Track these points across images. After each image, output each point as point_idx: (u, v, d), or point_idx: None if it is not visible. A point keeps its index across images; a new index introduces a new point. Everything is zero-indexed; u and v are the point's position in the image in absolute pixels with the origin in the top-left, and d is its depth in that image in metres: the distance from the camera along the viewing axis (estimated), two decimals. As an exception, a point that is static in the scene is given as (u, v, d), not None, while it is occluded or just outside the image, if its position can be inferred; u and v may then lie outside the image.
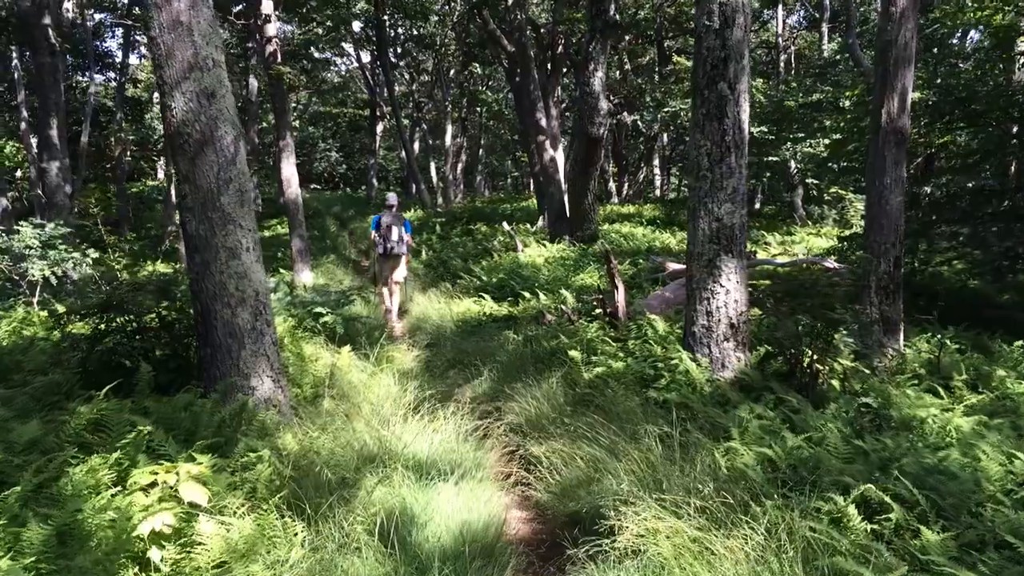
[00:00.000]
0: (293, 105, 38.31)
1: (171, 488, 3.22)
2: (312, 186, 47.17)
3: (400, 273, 12.09)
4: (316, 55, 38.82)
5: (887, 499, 3.64)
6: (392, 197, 12.28)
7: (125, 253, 23.53)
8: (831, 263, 11.56)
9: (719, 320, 6.17)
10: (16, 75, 20.00)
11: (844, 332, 6.35)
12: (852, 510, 3.58)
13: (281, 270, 14.66)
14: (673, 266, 12.88)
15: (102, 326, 5.17)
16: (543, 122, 17.50)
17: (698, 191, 6.24)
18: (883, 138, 7.78)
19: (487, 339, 8.79)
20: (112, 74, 27.85)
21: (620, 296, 8.79)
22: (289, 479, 3.83)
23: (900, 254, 7.90)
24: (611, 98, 18.02)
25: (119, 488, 3.24)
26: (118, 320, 5.20)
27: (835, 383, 6.21)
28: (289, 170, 13.38)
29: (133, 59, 29.09)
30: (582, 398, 6.00)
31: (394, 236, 11.86)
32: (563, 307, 9.34)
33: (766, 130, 18.63)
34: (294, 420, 4.91)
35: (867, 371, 6.57)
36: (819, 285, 6.15)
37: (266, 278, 5.05)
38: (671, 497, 3.84)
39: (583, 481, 4.43)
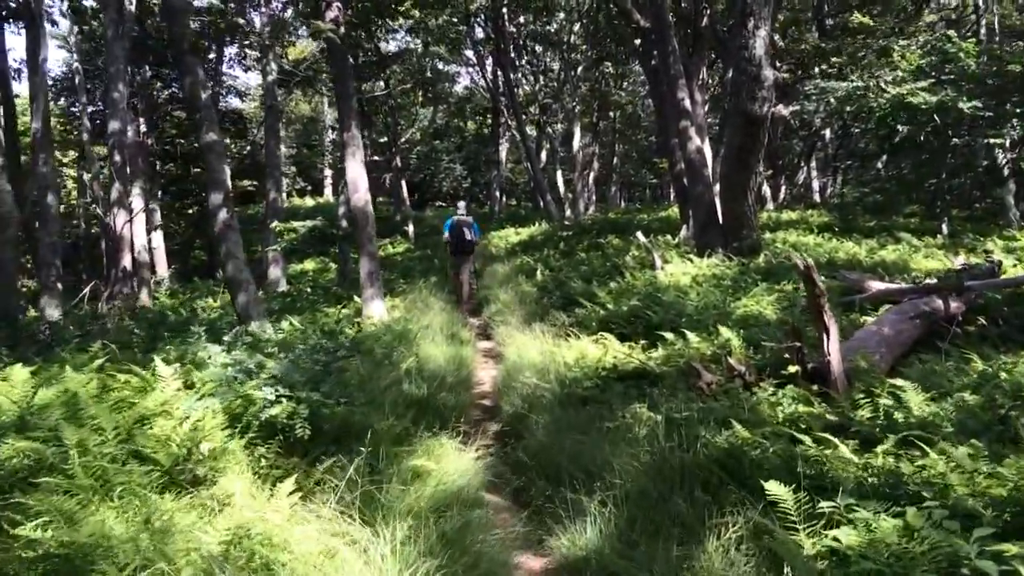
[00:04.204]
0: (412, 117, 36.00)
1: None
2: (438, 204, 44.96)
3: (468, 267, 14.03)
4: (440, 66, 36.53)
5: None
6: (462, 205, 14.65)
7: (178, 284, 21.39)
8: None
9: None
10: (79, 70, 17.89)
11: None
12: None
13: (357, 298, 11.65)
14: (876, 285, 9.01)
15: None
16: (686, 103, 13.83)
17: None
18: None
19: (605, 416, 5.27)
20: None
21: (832, 343, 5.14)
22: None
23: None
24: (778, 64, 14.29)
25: None
26: None
27: None
28: (356, 170, 10.31)
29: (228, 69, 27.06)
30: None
31: (466, 236, 13.62)
32: (728, 359, 5.73)
33: (979, 105, 14.27)
34: None
35: None
36: None
37: None
38: None
39: None
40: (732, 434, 4.20)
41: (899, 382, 4.76)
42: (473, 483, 4.38)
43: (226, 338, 5.02)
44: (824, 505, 3.02)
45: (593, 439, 4.76)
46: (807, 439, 3.92)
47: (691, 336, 7.10)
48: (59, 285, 10.66)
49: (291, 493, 3.33)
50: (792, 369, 5.26)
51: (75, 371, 4.97)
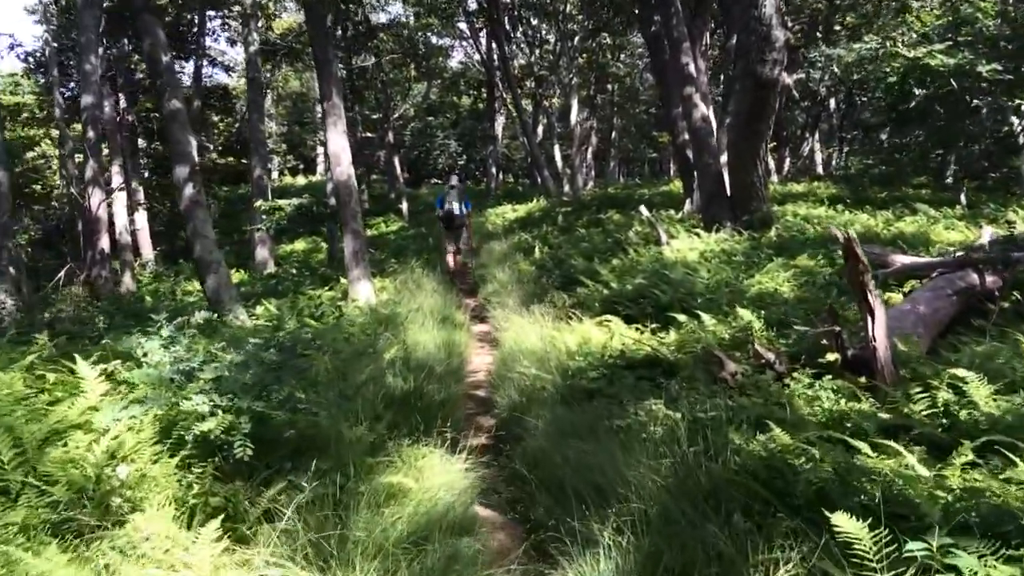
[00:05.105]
0: (405, 92, 35.07)
1: None
2: (433, 181, 44.18)
3: (462, 239, 13.66)
4: (434, 40, 35.59)
5: None
6: (454, 179, 13.87)
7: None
8: None
9: None
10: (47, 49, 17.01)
11: None
12: None
13: (344, 279, 10.92)
14: (900, 259, 8.28)
15: None
16: (691, 68, 13.04)
17: None
18: None
19: (614, 412, 4.56)
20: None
21: (879, 326, 4.43)
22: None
23: None
24: (789, 24, 13.33)
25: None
26: None
27: None
28: (338, 142, 9.57)
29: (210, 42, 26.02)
30: None
31: (456, 210, 13.06)
32: (756, 345, 5.02)
33: (999, 68, 13.49)
34: None
35: None
36: None
37: None
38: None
39: None
40: (770, 439, 3.51)
41: (960, 372, 4.05)
42: (462, 500, 3.67)
43: (165, 330, 4.21)
44: (913, 547, 2.32)
45: (602, 444, 4.05)
46: (864, 446, 3.22)
47: (706, 318, 6.39)
48: (12, 269, 9.94)
49: (222, 536, 2.62)
50: (830, 357, 4.56)
51: (1, 370, 4.27)
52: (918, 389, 4.01)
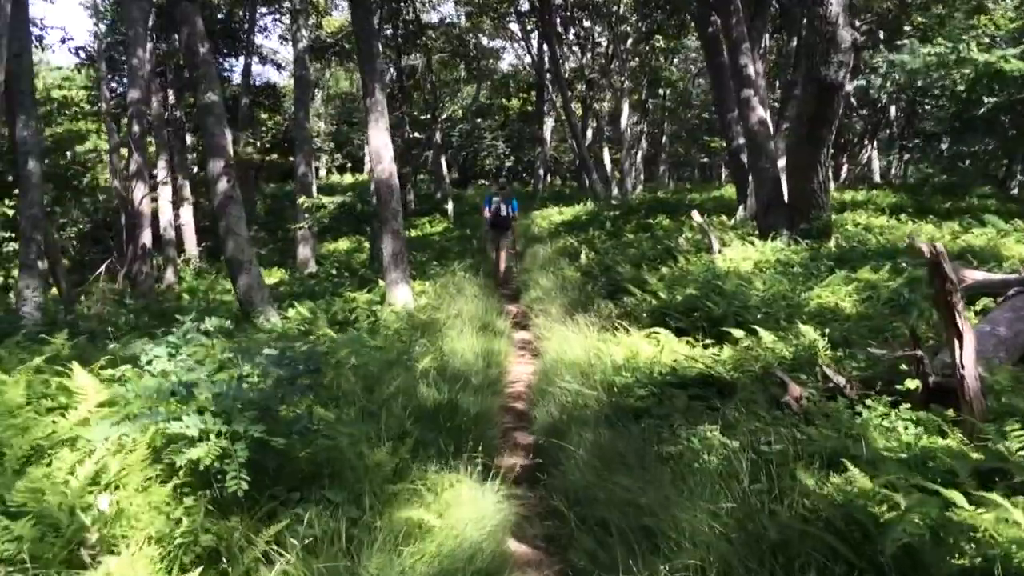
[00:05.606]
0: (455, 91, 34.89)
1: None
2: (481, 182, 44.03)
3: (507, 241, 13.70)
4: (485, 41, 35.50)
5: None
6: (503, 182, 15.00)
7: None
8: None
9: None
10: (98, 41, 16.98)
11: None
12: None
13: (382, 282, 10.58)
14: (973, 275, 7.63)
15: None
16: (749, 70, 12.52)
17: None
18: None
19: (664, 437, 4.14)
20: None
21: (967, 353, 3.94)
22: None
23: None
24: (856, 24, 12.67)
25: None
26: None
27: None
28: (380, 139, 9.25)
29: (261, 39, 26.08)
30: None
31: (503, 211, 13.33)
32: (824, 367, 4.55)
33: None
34: None
35: None
36: None
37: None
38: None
39: None
40: (847, 480, 3.06)
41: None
42: (492, 538, 3.25)
43: (172, 336, 3.84)
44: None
45: (651, 475, 3.62)
46: (958, 497, 2.76)
47: (763, 334, 5.92)
48: (40, 263, 9.77)
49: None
50: (910, 384, 4.08)
51: (5, 372, 3.99)
52: (1016, 426, 3.52)
